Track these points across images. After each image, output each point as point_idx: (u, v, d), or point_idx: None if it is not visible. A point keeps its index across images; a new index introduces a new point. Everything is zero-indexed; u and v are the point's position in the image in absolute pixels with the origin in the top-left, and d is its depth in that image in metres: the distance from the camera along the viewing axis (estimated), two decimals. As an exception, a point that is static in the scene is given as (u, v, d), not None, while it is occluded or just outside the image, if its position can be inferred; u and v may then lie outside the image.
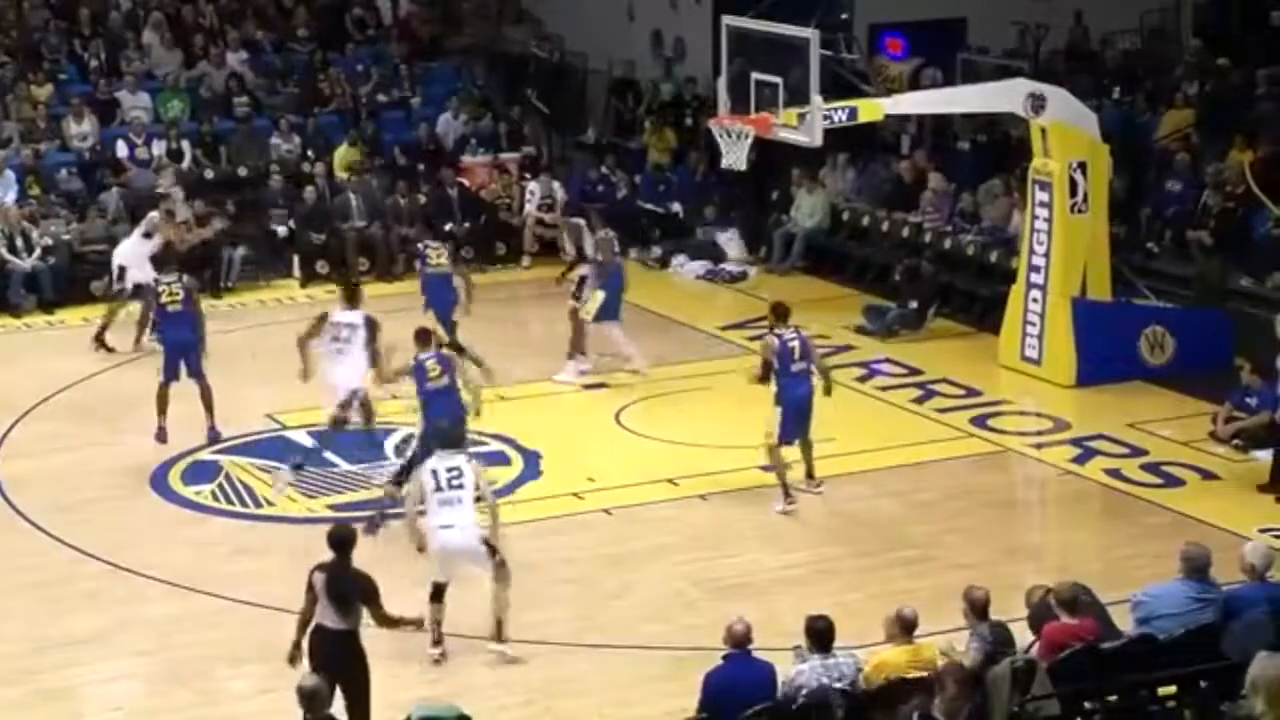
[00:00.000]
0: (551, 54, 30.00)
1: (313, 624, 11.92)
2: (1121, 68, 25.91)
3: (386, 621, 12.07)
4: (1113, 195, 20.77)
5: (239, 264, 24.50)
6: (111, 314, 21.64)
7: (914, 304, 22.23)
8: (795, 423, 16.64)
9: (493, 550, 13.70)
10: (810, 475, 17.13)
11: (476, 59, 30.41)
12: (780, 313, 16.99)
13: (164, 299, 18.54)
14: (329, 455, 18.02)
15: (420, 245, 21.01)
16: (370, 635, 12.23)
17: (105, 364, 21.02)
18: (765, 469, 17.11)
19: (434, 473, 13.70)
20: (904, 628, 11.47)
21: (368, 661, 11.94)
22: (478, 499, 13.78)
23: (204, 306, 22.97)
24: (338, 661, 11.74)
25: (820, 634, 11.33)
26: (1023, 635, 11.77)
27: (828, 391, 17.08)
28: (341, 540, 12.06)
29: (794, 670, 11.30)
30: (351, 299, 17.39)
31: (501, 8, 31.46)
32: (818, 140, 19.16)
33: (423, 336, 16.38)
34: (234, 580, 15.21)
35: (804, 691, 11.14)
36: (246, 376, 20.04)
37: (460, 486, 13.62)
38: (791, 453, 16.88)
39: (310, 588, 11.93)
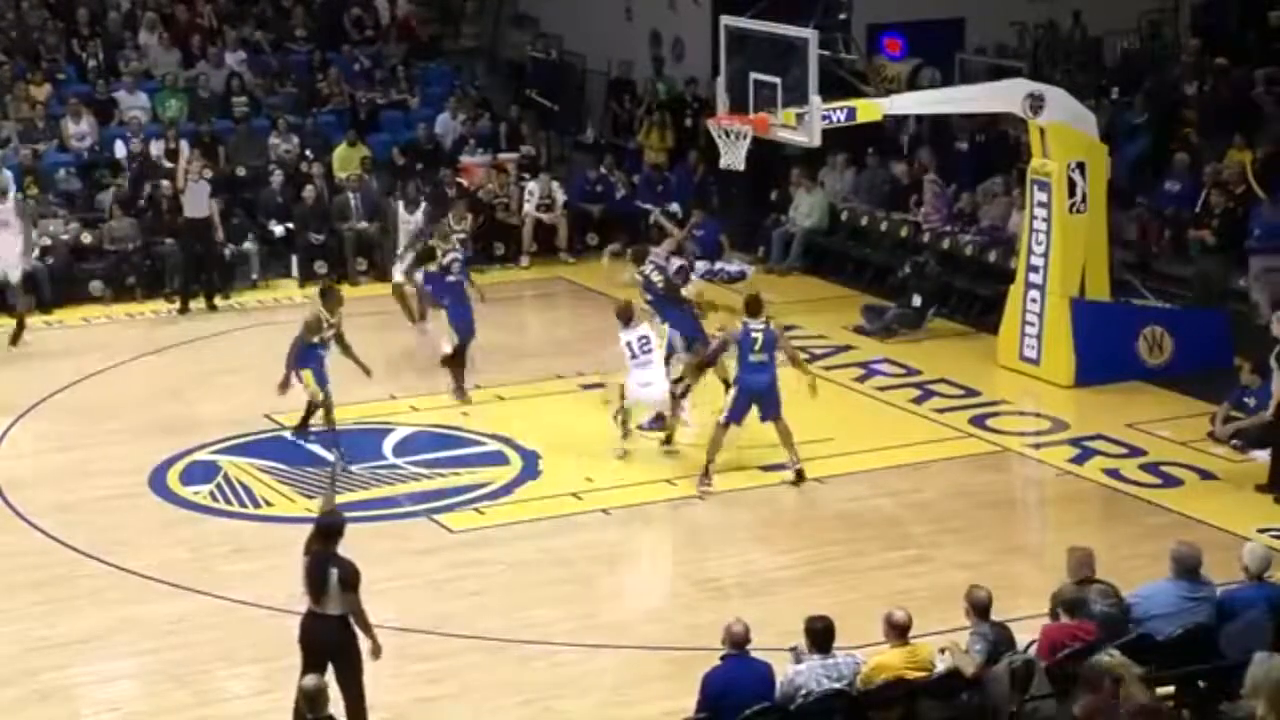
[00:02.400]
0: (549, 53, 29.98)
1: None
2: (1121, 68, 25.89)
3: (358, 614, 11.91)
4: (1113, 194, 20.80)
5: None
6: None
7: (917, 299, 22.18)
8: (746, 407, 17.08)
9: (685, 393, 17.37)
10: (790, 465, 17.26)
11: (475, 59, 30.38)
12: (751, 307, 17.36)
13: None
14: (330, 455, 18.04)
15: None
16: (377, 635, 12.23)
17: (105, 364, 21.02)
18: (766, 469, 17.28)
19: (629, 344, 17.02)
20: (896, 631, 11.47)
21: (358, 646, 11.86)
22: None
23: (203, 307, 23.21)
24: (322, 646, 11.77)
25: (819, 634, 11.33)
26: (1022, 635, 11.77)
27: (813, 390, 17.30)
28: (327, 530, 12.05)
29: (792, 670, 11.30)
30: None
31: (500, 8, 31.44)
32: (816, 140, 19.15)
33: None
34: (233, 580, 15.20)
35: (803, 692, 11.15)
36: (246, 376, 20.02)
37: (650, 350, 17.04)
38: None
39: None
